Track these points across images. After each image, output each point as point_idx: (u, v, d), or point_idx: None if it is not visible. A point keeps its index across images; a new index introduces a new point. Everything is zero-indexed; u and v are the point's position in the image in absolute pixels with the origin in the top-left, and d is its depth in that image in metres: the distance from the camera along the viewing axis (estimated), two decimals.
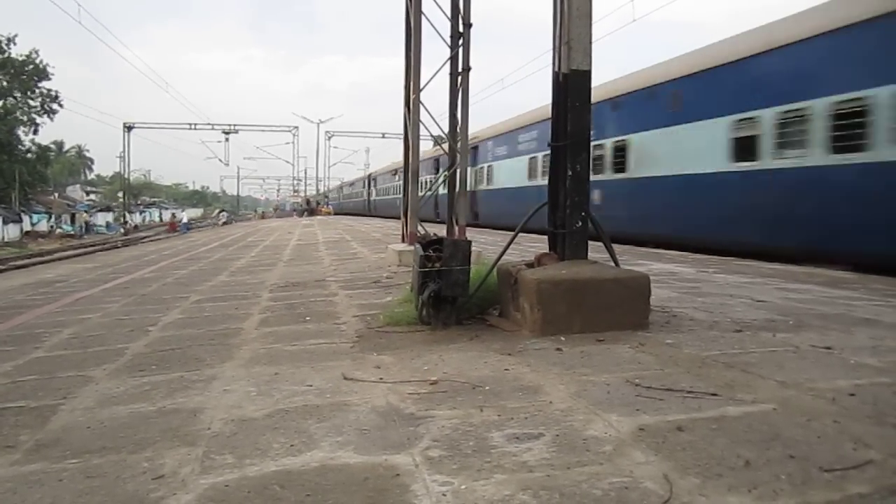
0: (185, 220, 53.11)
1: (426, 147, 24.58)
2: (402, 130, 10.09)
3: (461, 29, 9.00)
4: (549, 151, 4.77)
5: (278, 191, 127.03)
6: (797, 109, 10.32)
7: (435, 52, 9.34)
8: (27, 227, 51.97)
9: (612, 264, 4.84)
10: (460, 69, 9.08)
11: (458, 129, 9.30)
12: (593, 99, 4.68)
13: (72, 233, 54.53)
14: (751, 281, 7.10)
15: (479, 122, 34.55)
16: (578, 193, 4.58)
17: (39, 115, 57.08)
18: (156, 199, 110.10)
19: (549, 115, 4.78)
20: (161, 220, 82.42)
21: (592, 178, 4.84)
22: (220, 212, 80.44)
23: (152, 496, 2.03)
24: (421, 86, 9.07)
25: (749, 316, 4.78)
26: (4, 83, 54.91)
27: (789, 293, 6.08)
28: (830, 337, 4.03)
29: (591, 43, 4.60)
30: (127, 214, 65.94)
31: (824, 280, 7.18)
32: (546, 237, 4.91)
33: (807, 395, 2.82)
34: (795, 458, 2.12)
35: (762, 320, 4.61)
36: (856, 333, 4.17)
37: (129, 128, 57.63)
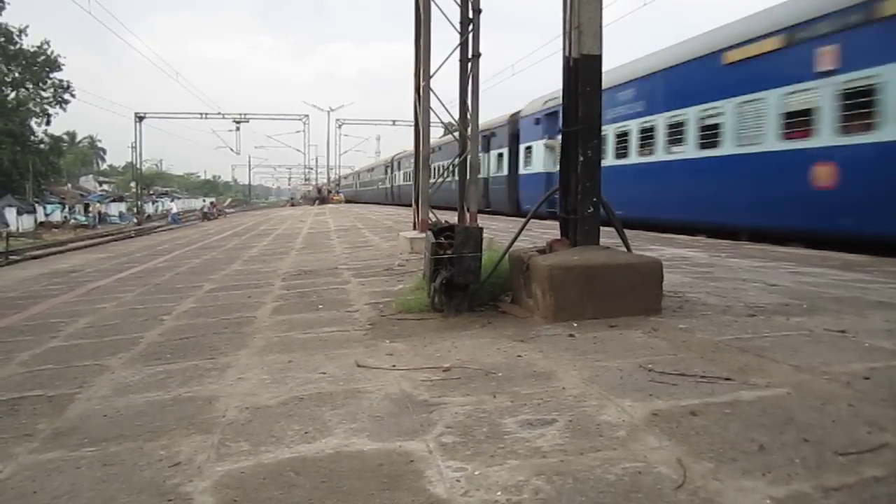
0: (174, 211, 52.61)
1: (437, 133, 24.22)
2: (412, 118, 10.06)
3: (471, 15, 8.95)
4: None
5: (290, 179, 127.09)
6: None
7: (445, 38, 9.32)
8: (41, 217, 52.17)
9: (625, 250, 4.82)
10: (470, 55, 9.04)
11: (468, 116, 9.27)
12: None
13: (85, 223, 54.74)
14: (763, 265, 7.06)
15: (490, 109, 34.29)
16: (590, 179, 4.56)
17: (52, 106, 57.38)
18: (168, 189, 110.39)
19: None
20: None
21: None
22: (205, 201, 78.41)
23: (169, 483, 2.05)
24: (431, 73, 9.04)
25: (762, 300, 4.75)
26: (16, 74, 55.13)
27: (803, 277, 6.04)
28: (845, 320, 4.00)
29: (601, 27, 4.56)
30: (152, 204, 66.08)
31: (838, 263, 7.13)
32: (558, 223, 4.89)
33: (821, 379, 2.80)
34: (810, 442, 2.11)
35: (776, 304, 4.58)
36: (870, 316, 4.14)
37: (140, 118, 57.71)
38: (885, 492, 1.81)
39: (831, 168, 10.17)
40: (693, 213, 13.38)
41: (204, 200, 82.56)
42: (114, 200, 73.04)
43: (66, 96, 57.62)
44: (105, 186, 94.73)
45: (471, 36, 8.99)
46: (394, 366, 3.31)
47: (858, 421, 2.30)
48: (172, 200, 76.43)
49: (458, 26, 9.04)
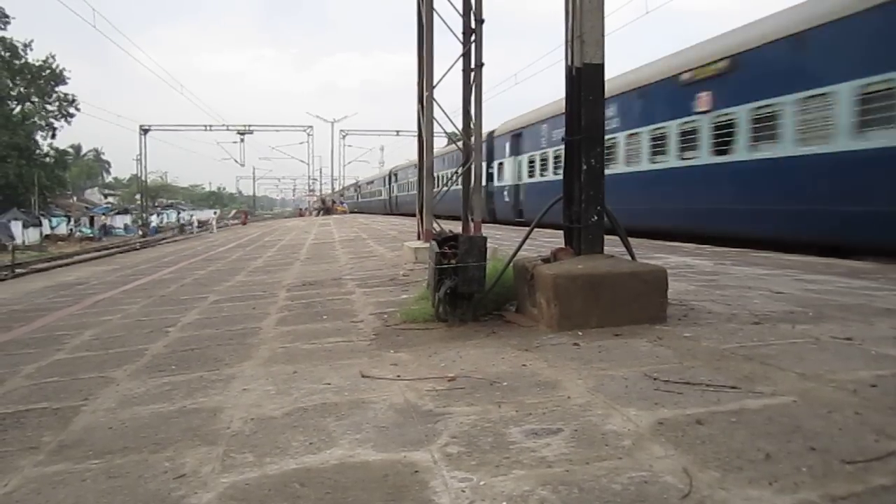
0: (153, 224, 52.59)
1: (440, 143, 24.65)
2: (416, 128, 10.10)
3: (473, 25, 8.99)
4: None
5: (294, 190, 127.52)
6: None
7: (448, 48, 9.35)
8: (47, 230, 52.33)
9: (629, 258, 4.82)
10: (473, 65, 9.07)
11: (471, 126, 9.29)
12: None
13: (91, 235, 54.91)
14: (769, 273, 7.04)
15: (494, 119, 34.17)
16: (593, 188, 4.56)
17: (57, 120, 57.83)
18: (173, 201, 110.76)
19: None
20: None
21: None
22: (179, 213, 77.89)
23: (174, 495, 2.05)
24: (434, 83, 9.06)
25: (767, 308, 4.74)
26: (22, 89, 55.55)
27: (808, 284, 6.02)
28: (851, 328, 3.99)
29: (603, 36, 4.58)
30: (157, 216, 66.36)
31: (844, 270, 7.10)
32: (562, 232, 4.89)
33: (827, 387, 2.79)
34: (816, 451, 2.10)
35: (781, 312, 4.57)
36: (877, 324, 4.12)
37: (145, 130, 58.01)
38: (893, 500, 1.80)
39: None
40: None
41: (179, 213, 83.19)
42: (119, 213, 73.28)
43: (72, 110, 58.17)
44: (110, 199, 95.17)
45: (473, 46, 9.02)
46: (398, 376, 3.31)
47: (865, 429, 2.28)
48: (155, 214, 77.09)
49: (460, 36, 9.08)
